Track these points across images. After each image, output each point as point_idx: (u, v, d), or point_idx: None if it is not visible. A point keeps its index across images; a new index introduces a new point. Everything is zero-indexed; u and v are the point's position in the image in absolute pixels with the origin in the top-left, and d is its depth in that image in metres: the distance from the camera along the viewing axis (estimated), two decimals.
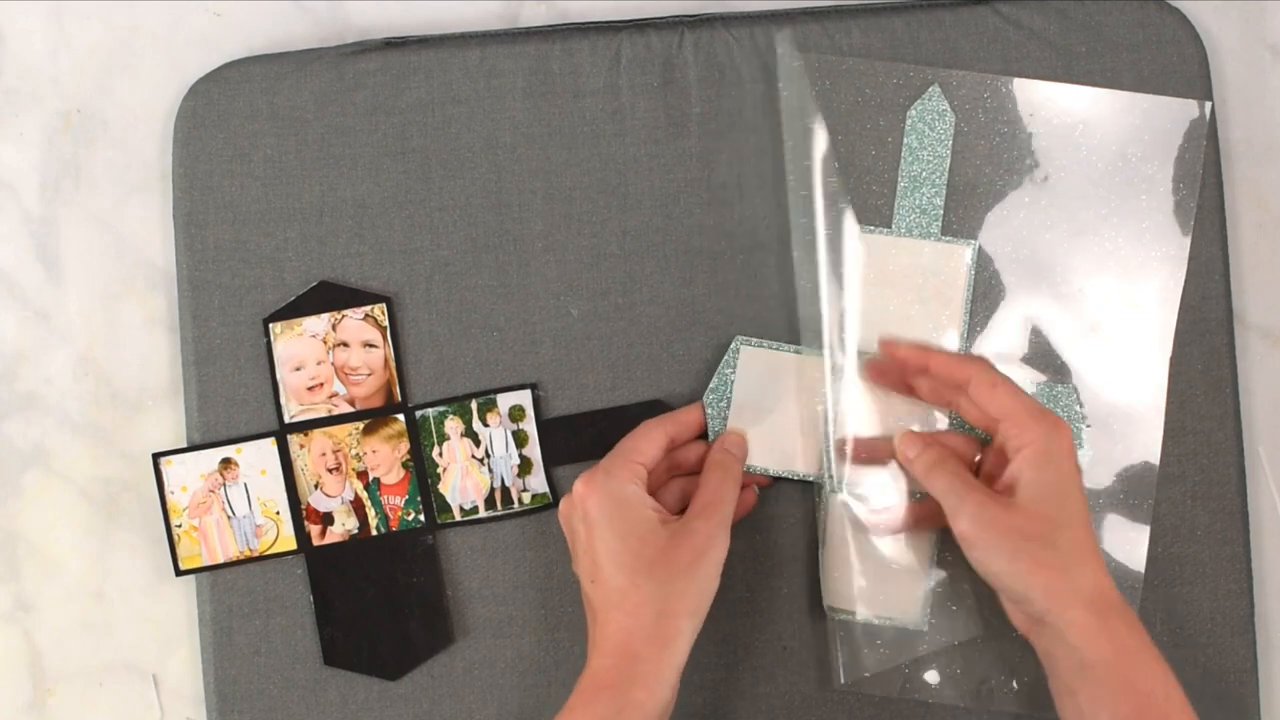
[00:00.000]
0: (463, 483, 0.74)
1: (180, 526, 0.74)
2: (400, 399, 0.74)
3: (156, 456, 0.74)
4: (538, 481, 0.74)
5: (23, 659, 0.76)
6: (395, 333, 0.74)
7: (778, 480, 0.73)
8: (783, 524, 0.73)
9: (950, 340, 0.73)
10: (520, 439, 0.74)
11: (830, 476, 0.72)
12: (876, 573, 0.71)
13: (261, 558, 0.73)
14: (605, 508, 0.65)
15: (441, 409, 0.74)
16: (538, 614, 0.73)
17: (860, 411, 0.72)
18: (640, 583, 0.64)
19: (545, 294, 0.74)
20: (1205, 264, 0.74)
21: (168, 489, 0.74)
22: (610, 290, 0.74)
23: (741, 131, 0.74)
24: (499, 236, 0.74)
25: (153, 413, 0.76)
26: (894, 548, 0.72)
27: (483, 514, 0.74)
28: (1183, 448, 0.73)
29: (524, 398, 0.74)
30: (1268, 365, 0.77)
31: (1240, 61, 0.78)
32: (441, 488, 0.74)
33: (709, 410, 0.72)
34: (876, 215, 0.74)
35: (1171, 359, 0.73)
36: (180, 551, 0.74)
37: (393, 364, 0.74)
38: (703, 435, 0.72)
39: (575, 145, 0.75)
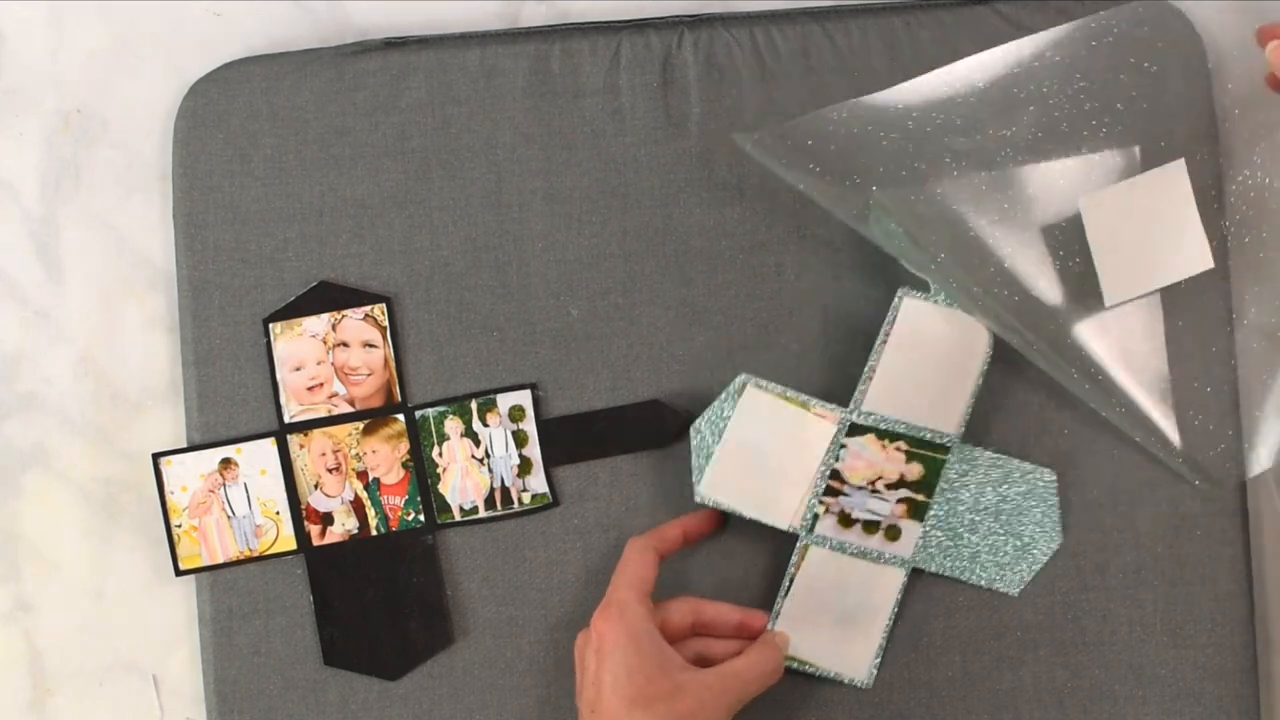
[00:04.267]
0: (463, 483, 0.74)
1: (180, 526, 0.74)
2: (400, 399, 0.74)
3: (156, 456, 0.74)
4: (537, 481, 0.73)
5: (23, 659, 0.76)
6: (395, 333, 0.74)
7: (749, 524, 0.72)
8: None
9: (952, 414, 0.70)
10: (520, 439, 0.74)
11: (807, 525, 0.70)
12: (834, 628, 0.71)
13: (261, 558, 0.73)
14: (621, 643, 0.65)
15: (441, 409, 0.74)
16: (538, 614, 0.73)
17: (859, 469, 0.71)
18: (637, 715, 0.63)
19: (545, 294, 0.74)
20: None
21: (168, 489, 0.74)
22: (610, 290, 0.74)
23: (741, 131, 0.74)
24: (499, 236, 0.74)
25: (153, 413, 0.76)
26: (857, 604, 0.71)
27: (483, 514, 0.74)
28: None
29: (524, 398, 0.74)
30: (1268, 366, 0.77)
31: (1240, 62, 0.78)
32: (441, 488, 0.74)
33: (694, 440, 0.71)
34: (914, 278, 0.71)
35: (1171, 360, 0.73)
36: (180, 551, 0.74)
37: (393, 364, 0.74)
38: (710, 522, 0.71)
39: (575, 145, 0.75)
